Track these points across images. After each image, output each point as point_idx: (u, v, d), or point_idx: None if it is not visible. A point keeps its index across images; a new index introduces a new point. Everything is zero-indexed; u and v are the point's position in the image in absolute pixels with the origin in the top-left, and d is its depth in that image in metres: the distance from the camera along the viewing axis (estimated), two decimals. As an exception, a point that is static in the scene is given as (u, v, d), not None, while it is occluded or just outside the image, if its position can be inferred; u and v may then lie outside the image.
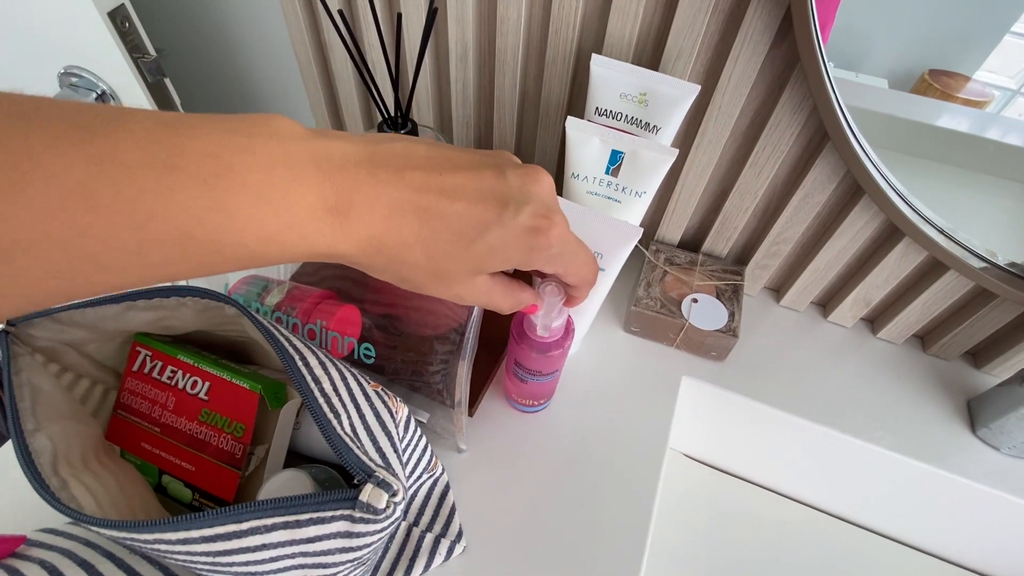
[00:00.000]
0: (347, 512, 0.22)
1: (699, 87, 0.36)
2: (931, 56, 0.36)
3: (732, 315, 0.46)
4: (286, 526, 0.22)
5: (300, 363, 0.25)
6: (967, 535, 0.46)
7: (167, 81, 0.55)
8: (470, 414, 0.42)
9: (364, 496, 0.22)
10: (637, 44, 0.40)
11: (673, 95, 0.37)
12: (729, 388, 0.45)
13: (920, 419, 0.45)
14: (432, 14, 0.35)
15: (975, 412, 0.45)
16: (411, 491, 0.36)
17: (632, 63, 0.40)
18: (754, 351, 0.47)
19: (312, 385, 0.24)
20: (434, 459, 0.36)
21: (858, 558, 0.48)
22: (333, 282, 0.40)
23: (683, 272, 0.49)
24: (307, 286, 0.39)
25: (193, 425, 0.30)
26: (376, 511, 0.22)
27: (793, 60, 0.36)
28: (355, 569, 0.26)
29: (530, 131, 0.50)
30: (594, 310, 0.42)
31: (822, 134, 0.39)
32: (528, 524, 0.37)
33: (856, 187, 0.41)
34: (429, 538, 0.35)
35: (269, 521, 0.21)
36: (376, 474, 0.22)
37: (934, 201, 0.40)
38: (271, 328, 0.25)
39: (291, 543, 0.22)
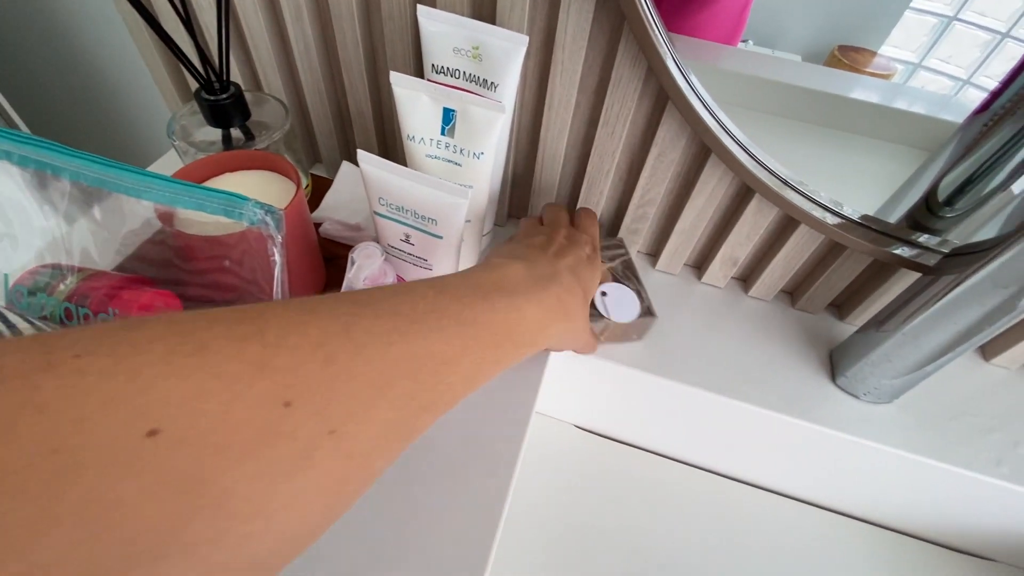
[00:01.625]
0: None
1: (527, 37, 0.34)
2: (841, 32, 0.37)
3: (639, 293, 0.44)
4: None
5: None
6: (834, 482, 0.47)
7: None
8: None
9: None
10: (473, -5, 0.37)
11: (504, 47, 0.35)
12: (602, 356, 0.44)
13: (786, 373, 0.45)
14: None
15: (835, 362, 0.46)
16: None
17: (471, 16, 0.38)
18: (627, 317, 0.47)
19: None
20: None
21: (736, 511, 0.49)
22: (146, 268, 0.36)
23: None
24: (113, 272, 0.35)
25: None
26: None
27: (622, 13, 0.35)
28: None
29: (387, 96, 0.47)
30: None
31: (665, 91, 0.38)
32: (389, 494, 0.35)
33: (704, 145, 0.40)
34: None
35: None
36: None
37: (794, 159, 0.40)
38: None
39: None
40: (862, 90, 0.39)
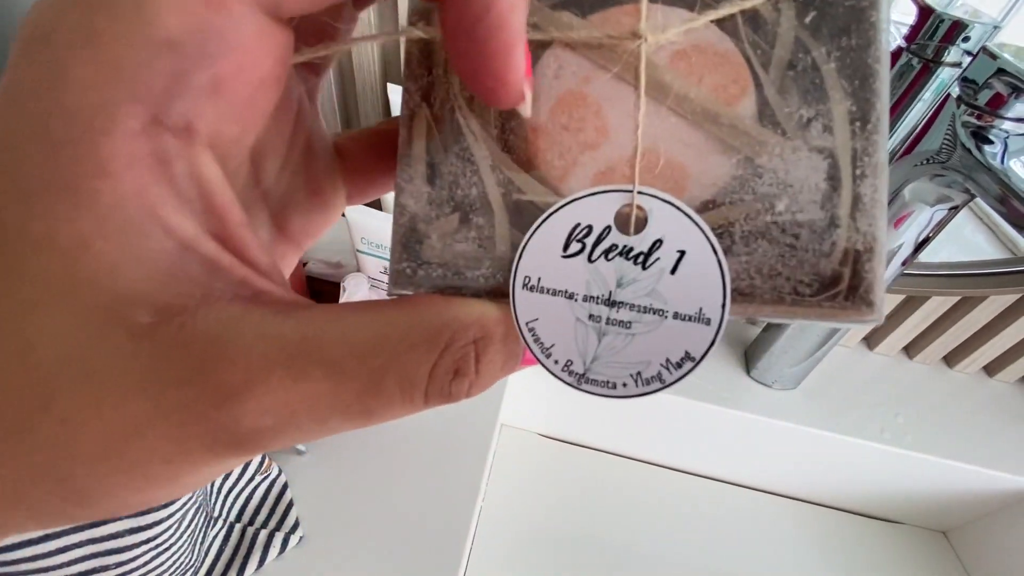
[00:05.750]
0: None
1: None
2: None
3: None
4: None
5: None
6: (756, 463, 0.55)
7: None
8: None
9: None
10: (432, 74, 0.46)
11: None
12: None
13: (708, 369, 0.54)
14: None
15: (749, 357, 0.55)
16: (243, 492, 0.38)
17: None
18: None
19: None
20: (267, 460, 0.38)
21: (667, 497, 0.56)
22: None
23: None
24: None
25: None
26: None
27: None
28: (162, 558, 0.28)
29: (360, 154, 0.55)
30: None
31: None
32: (366, 510, 0.40)
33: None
34: (263, 535, 0.36)
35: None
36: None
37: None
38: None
39: (76, 531, 0.24)
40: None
